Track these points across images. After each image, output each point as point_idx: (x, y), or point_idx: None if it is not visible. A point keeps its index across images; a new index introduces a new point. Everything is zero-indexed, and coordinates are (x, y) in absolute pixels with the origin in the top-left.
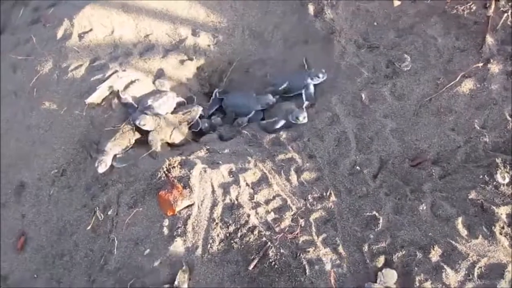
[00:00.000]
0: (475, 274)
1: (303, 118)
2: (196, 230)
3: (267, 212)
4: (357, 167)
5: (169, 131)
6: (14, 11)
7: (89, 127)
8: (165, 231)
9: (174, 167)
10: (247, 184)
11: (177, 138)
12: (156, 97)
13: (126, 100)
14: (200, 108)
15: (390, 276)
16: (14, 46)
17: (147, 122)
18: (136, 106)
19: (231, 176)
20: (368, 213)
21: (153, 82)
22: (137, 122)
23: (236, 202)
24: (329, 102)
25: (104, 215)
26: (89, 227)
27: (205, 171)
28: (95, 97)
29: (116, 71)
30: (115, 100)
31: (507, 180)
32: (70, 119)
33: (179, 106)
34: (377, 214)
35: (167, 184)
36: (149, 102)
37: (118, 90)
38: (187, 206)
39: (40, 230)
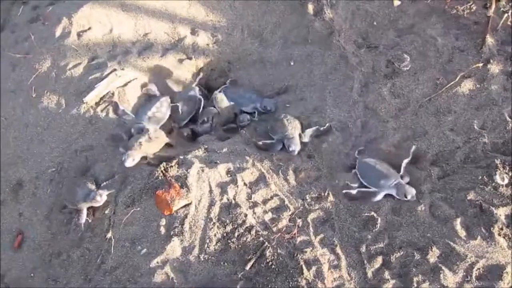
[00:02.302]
0: (474, 275)
1: (292, 150)
2: (193, 229)
3: (265, 212)
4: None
5: (157, 145)
6: (13, 9)
7: (87, 125)
8: (162, 230)
9: (171, 166)
10: (244, 184)
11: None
12: (149, 106)
13: (123, 113)
14: (197, 88)
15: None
16: (13, 44)
17: (134, 157)
18: (132, 116)
19: (229, 175)
20: (366, 214)
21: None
22: (127, 165)
23: (233, 201)
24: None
25: (101, 214)
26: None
27: (202, 171)
28: (93, 96)
29: (114, 70)
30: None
31: (506, 181)
32: (68, 118)
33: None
34: (375, 215)
35: (164, 183)
36: (143, 115)
37: (115, 103)
38: (184, 206)
39: (37, 228)
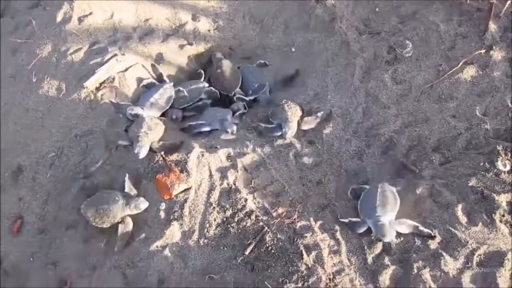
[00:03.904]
0: (474, 261)
1: (284, 131)
2: (193, 214)
3: (265, 197)
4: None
5: (159, 132)
6: None
7: (87, 110)
8: (162, 214)
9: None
10: (245, 169)
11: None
12: (152, 92)
13: (118, 106)
14: (206, 84)
15: None
16: (14, 30)
17: (145, 146)
18: (123, 105)
19: (229, 160)
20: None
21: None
22: (141, 157)
23: (233, 186)
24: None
25: None
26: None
27: (202, 155)
28: (94, 81)
29: (115, 55)
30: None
31: (508, 167)
32: (68, 103)
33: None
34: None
35: (164, 167)
36: (145, 101)
37: (110, 101)
38: (184, 190)
39: (37, 213)
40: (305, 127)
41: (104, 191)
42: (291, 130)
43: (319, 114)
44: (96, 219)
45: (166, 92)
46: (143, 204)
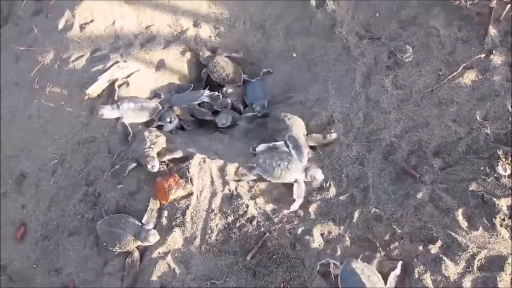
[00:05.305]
0: (475, 266)
1: (304, 161)
2: (194, 220)
3: (266, 202)
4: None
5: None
6: (17, 1)
7: (89, 117)
8: (164, 221)
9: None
10: None
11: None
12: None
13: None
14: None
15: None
16: (16, 37)
17: (156, 159)
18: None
19: None
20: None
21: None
22: (156, 170)
23: (235, 192)
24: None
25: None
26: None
27: (204, 162)
28: (96, 88)
29: (117, 62)
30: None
31: (508, 172)
32: (71, 110)
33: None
34: (377, 211)
35: (166, 173)
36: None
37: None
38: (186, 196)
39: (40, 220)
40: (311, 143)
41: (123, 215)
42: (308, 155)
43: (328, 136)
44: (108, 240)
45: (150, 105)
46: (153, 237)
